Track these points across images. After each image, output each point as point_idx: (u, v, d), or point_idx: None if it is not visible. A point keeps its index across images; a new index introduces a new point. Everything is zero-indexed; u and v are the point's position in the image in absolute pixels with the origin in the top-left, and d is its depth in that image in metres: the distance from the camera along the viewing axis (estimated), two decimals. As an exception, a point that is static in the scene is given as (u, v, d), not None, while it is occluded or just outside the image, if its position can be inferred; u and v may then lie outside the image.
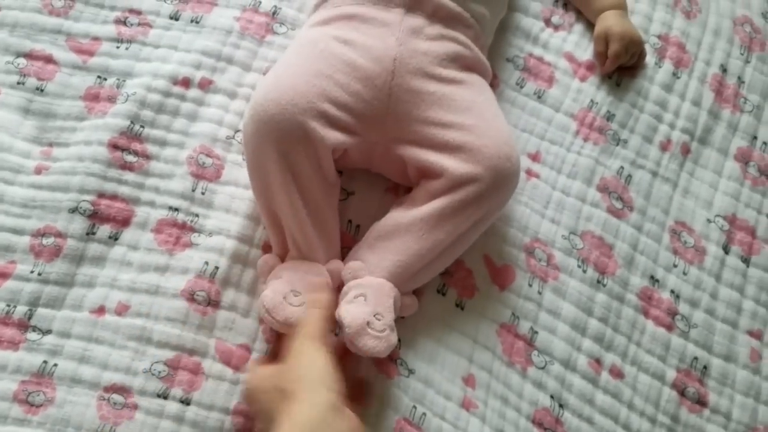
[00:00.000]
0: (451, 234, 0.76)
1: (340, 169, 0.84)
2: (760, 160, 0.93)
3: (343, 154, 0.80)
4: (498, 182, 0.75)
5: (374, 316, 0.72)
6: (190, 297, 0.78)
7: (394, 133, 0.78)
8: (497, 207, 0.79)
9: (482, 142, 0.75)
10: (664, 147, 0.92)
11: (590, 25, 0.95)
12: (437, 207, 0.75)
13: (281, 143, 0.73)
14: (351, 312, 0.72)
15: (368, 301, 0.73)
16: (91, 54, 0.89)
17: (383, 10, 0.79)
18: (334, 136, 0.75)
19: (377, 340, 0.71)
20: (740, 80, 0.97)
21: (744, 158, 0.93)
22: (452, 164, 0.75)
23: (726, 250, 0.89)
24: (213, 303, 0.78)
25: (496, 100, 0.83)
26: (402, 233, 0.76)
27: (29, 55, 0.88)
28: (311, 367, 0.64)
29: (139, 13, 0.92)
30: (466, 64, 0.81)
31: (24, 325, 0.76)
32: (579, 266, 0.84)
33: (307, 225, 0.76)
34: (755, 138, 0.95)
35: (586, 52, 0.95)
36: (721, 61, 0.97)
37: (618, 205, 0.88)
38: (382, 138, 0.79)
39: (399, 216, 0.78)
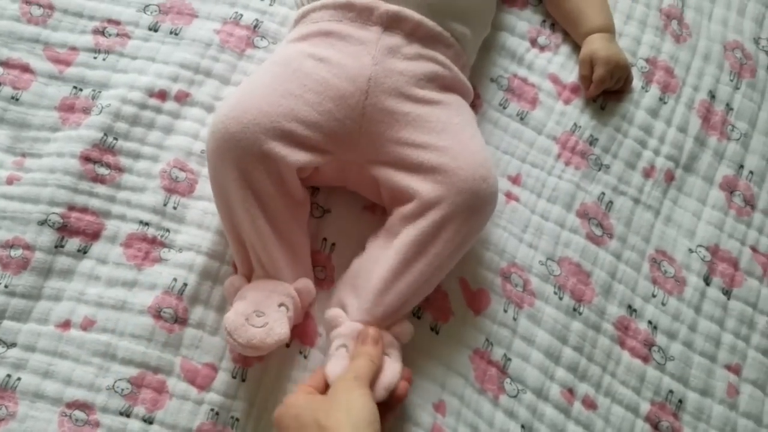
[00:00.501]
0: (430, 263, 0.75)
1: (316, 186, 0.85)
2: (745, 190, 0.93)
3: (315, 171, 0.80)
4: (474, 205, 0.75)
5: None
6: (157, 314, 0.78)
7: (367, 153, 0.78)
8: (475, 231, 0.78)
9: (457, 164, 0.75)
10: (648, 173, 0.92)
11: (577, 47, 0.96)
12: (412, 236, 0.75)
13: (241, 161, 0.73)
14: (335, 370, 0.72)
15: (350, 352, 0.73)
16: (68, 64, 0.90)
17: (360, 27, 0.79)
18: (299, 155, 0.75)
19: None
20: (729, 107, 0.97)
21: (729, 187, 0.94)
22: (425, 187, 0.75)
23: (707, 281, 0.89)
24: (180, 320, 0.79)
25: (475, 121, 0.83)
26: (380, 270, 0.76)
27: (5, 64, 0.89)
28: (360, 409, 0.64)
29: (117, 23, 0.93)
30: (445, 85, 0.81)
31: None
32: (555, 293, 0.84)
33: (272, 243, 0.76)
34: (742, 167, 0.95)
35: (571, 74, 0.95)
36: (710, 86, 0.97)
37: (598, 231, 0.88)
38: (355, 157, 0.79)
39: (376, 252, 0.78)
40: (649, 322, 0.85)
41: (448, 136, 0.77)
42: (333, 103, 0.76)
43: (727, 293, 0.88)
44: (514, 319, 0.83)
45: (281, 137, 0.74)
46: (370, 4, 0.79)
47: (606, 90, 0.93)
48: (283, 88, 0.76)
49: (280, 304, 0.75)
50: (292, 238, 0.78)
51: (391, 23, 0.79)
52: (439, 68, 0.80)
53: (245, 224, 0.75)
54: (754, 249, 0.91)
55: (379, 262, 0.76)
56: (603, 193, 0.90)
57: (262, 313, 0.73)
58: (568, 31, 0.96)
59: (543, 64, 0.95)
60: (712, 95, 0.97)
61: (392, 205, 0.79)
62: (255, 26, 0.94)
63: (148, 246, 0.82)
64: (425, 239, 0.75)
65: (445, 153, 0.76)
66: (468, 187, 0.74)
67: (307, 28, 0.82)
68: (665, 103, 0.95)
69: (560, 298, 0.84)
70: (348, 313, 0.76)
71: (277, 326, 0.72)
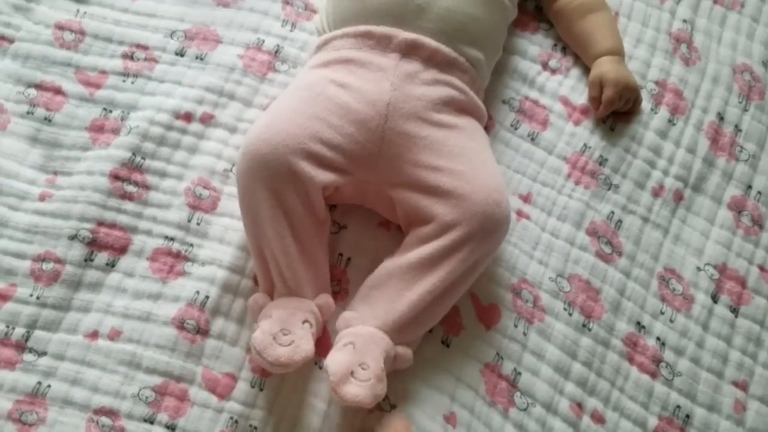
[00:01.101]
0: (442, 280, 0.78)
1: (334, 203, 0.89)
2: (753, 210, 0.96)
3: (336, 191, 0.84)
4: (487, 228, 0.79)
5: (360, 365, 0.75)
6: (180, 325, 0.83)
7: (386, 175, 0.82)
8: (487, 253, 0.82)
9: (472, 188, 0.79)
10: (657, 193, 0.95)
11: (587, 70, 0.99)
12: (426, 252, 0.78)
13: (271, 181, 0.78)
14: (336, 360, 0.75)
15: (356, 350, 0.76)
16: (98, 86, 0.96)
17: (380, 55, 0.84)
18: (324, 175, 0.80)
19: (360, 389, 0.73)
20: (737, 128, 1.00)
21: (737, 207, 0.96)
22: (441, 210, 0.79)
23: (715, 299, 0.91)
24: (202, 331, 0.83)
25: (489, 145, 0.87)
26: (393, 281, 0.80)
27: (39, 86, 0.95)
28: None
29: (146, 48, 0.98)
30: (461, 108, 0.85)
31: (21, 347, 0.82)
32: (565, 309, 0.87)
33: (296, 261, 0.80)
34: (750, 187, 0.97)
35: (581, 96, 0.98)
36: (719, 108, 1.00)
37: (607, 249, 0.91)
38: (374, 179, 0.83)
39: (390, 264, 0.81)
40: (658, 339, 0.88)
41: (463, 160, 0.81)
42: (354, 127, 0.81)
43: (734, 311, 0.91)
44: (525, 334, 0.86)
45: (309, 157, 0.79)
46: (389, 33, 0.84)
47: (615, 111, 0.96)
48: (309, 111, 0.81)
49: (304, 321, 0.78)
50: (315, 255, 0.82)
51: (408, 50, 0.84)
52: (455, 92, 0.85)
53: (273, 242, 0.79)
54: (761, 268, 0.94)
55: (393, 276, 0.80)
56: (612, 212, 0.93)
57: (288, 332, 0.77)
58: (578, 54, 1.00)
59: (554, 86, 0.99)
60: (721, 117, 1.00)
61: (409, 224, 0.83)
62: (276, 51, 0.98)
63: (173, 260, 0.87)
64: (439, 256, 0.78)
65: (461, 177, 0.80)
66: (482, 211, 0.78)
67: (328, 55, 0.87)
68: (674, 124, 0.98)
69: (570, 314, 0.87)
70: (361, 318, 0.79)
71: (303, 343, 0.76)
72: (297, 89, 0.85)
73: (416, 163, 0.81)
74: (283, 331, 0.76)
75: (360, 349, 0.76)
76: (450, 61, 0.85)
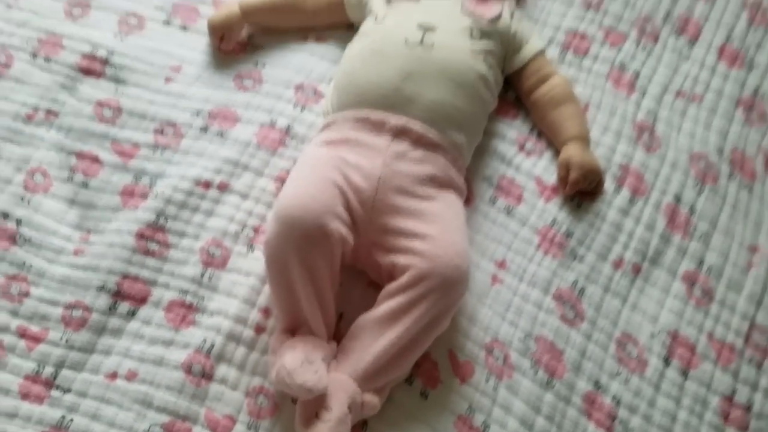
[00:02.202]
0: (406, 331, 0.82)
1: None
2: (704, 283, 0.98)
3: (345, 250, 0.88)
4: (446, 286, 0.83)
5: (323, 408, 0.79)
6: (188, 369, 0.87)
7: (373, 238, 0.88)
8: (447, 308, 0.85)
9: (439, 250, 0.84)
10: (617, 265, 0.98)
11: (558, 153, 1.03)
12: (393, 306, 0.83)
13: (302, 241, 0.82)
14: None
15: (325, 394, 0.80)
16: (131, 157, 1.01)
17: (375, 136, 0.90)
18: (347, 233, 0.85)
19: (323, 428, 0.78)
20: (692, 209, 1.03)
21: (690, 280, 0.99)
22: (411, 267, 0.83)
23: (666, 362, 0.94)
24: (207, 376, 0.87)
25: (463, 216, 0.92)
26: (364, 333, 0.84)
27: (79, 155, 1.01)
28: None
29: (174, 125, 1.04)
30: (442, 184, 0.91)
31: (49, 384, 0.87)
32: (531, 367, 0.91)
33: (317, 310, 0.84)
34: (702, 262, 1.00)
35: (552, 176, 1.02)
36: (676, 191, 1.03)
37: (571, 314, 0.95)
38: (364, 242, 0.89)
39: (363, 319, 0.86)
40: (613, 397, 0.90)
41: (437, 226, 0.86)
42: (353, 196, 0.87)
43: (684, 374, 0.93)
44: (494, 389, 0.89)
45: (336, 218, 0.84)
46: (382, 118, 0.90)
47: (581, 191, 1.00)
48: (327, 180, 0.86)
49: (323, 359, 0.82)
50: (329, 306, 0.86)
51: (398, 133, 0.90)
52: (438, 171, 0.91)
53: (297, 298, 0.83)
54: (710, 336, 0.95)
55: (364, 329, 0.84)
56: (576, 281, 0.96)
57: (312, 362, 0.80)
58: (550, 139, 1.05)
59: (528, 166, 1.03)
60: (678, 199, 1.03)
61: (386, 281, 0.87)
62: (287, 130, 1.03)
63: (185, 311, 0.92)
64: (404, 309, 0.83)
65: (431, 241, 0.85)
66: (444, 270, 0.83)
67: (331, 135, 0.93)
68: (635, 204, 1.02)
69: (535, 372, 0.91)
70: (336, 366, 0.84)
71: (323, 376, 0.79)
72: (311, 161, 0.91)
73: (398, 229, 0.87)
74: (308, 360, 0.80)
75: (328, 393, 0.80)
76: (435, 143, 0.91)
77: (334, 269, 0.86)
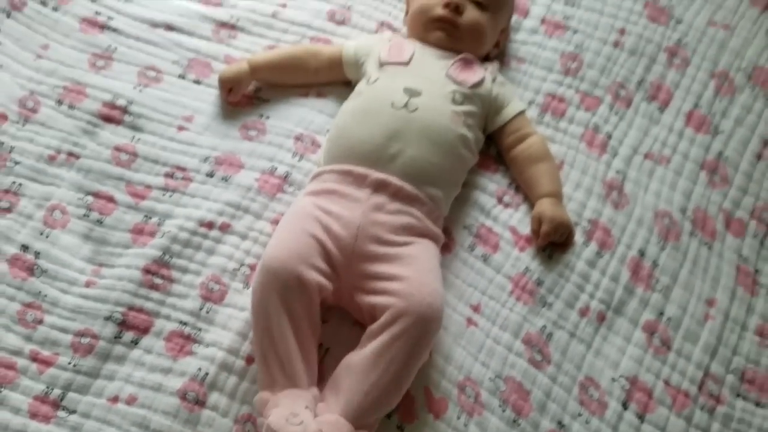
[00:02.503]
0: (391, 367, 0.87)
1: (324, 304, 0.96)
2: (663, 333, 1.03)
3: (326, 294, 0.93)
4: (420, 323, 0.88)
5: None
6: (183, 396, 0.93)
7: (354, 283, 0.94)
8: (425, 343, 0.90)
9: (412, 291, 0.89)
10: (583, 313, 1.03)
11: (533, 207, 1.09)
12: (375, 345, 0.88)
13: (283, 291, 0.89)
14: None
15: None
16: (143, 198, 1.08)
17: (356, 189, 0.98)
18: (323, 282, 0.91)
19: None
20: (655, 264, 1.08)
21: (650, 329, 1.03)
22: (389, 307, 0.89)
23: (625, 406, 0.98)
24: (200, 402, 0.93)
25: (437, 260, 0.97)
26: (353, 375, 0.88)
27: (96, 195, 1.08)
28: None
29: (184, 170, 1.11)
30: (418, 232, 0.97)
31: (56, 405, 0.93)
32: (500, 406, 0.96)
33: (296, 358, 0.89)
34: (662, 313, 1.04)
35: (527, 227, 1.08)
36: (640, 246, 1.09)
37: (538, 357, 1.00)
38: (345, 286, 0.95)
39: (350, 359, 0.90)
40: (574, 437, 0.95)
41: (411, 268, 0.92)
42: (333, 244, 0.93)
43: (641, 417, 0.97)
44: (465, 425, 0.94)
45: (312, 268, 0.90)
46: (364, 173, 0.98)
47: (552, 242, 1.06)
48: (306, 232, 0.93)
49: (306, 407, 0.86)
50: (309, 353, 0.91)
51: (378, 187, 0.97)
52: (414, 221, 0.97)
53: (278, 340, 0.89)
54: (666, 382, 0.99)
55: (352, 370, 0.89)
56: (545, 326, 1.01)
57: (296, 415, 0.84)
58: (526, 193, 1.11)
59: (506, 218, 1.09)
60: (642, 253, 1.08)
61: (368, 321, 0.93)
62: (286, 176, 1.10)
63: (184, 341, 0.97)
64: (385, 347, 0.87)
65: (407, 281, 0.90)
66: (417, 309, 0.88)
67: (318, 185, 1.01)
68: (602, 257, 1.07)
69: (503, 411, 0.95)
70: (329, 408, 0.87)
71: (309, 423, 0.83)
72: (295, 215, 0.98)
73: (375, 274, 0.93)
74: (293, 414, 0.84)
75: None
76: (412, 196, 0.97)
77: (312, 315, 0.91)
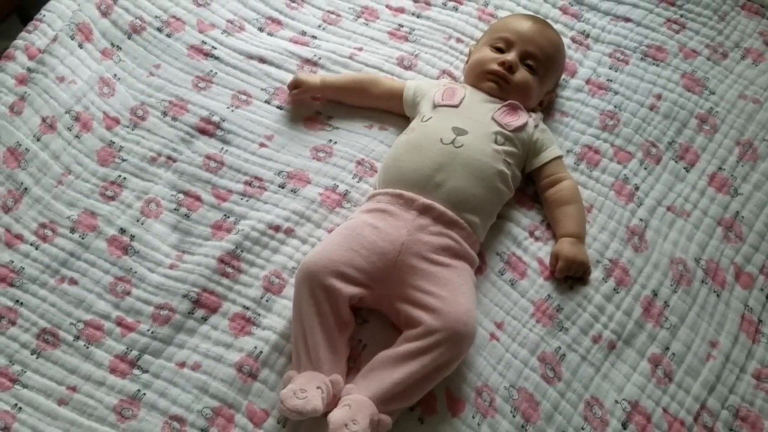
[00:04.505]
0: (418, 370, 0.94)
1: (363, 306, 1.07)
2: (667, 366, 1.08)
3: (361, 299, 1.04)
4: (454, 338, 0.96)
5: (351, 420, 0.90)
6: (239, 368, 1.04)
7: (394, 291, 1.03)
8: (455, 357, 0.97)
9: (448, 309, 0.98)
10: (596, 340, 1.09)
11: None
12: (410, 348, 0.96)
13: (313, 290, 0.99)
14: (336, 415, 0.91)
15: (351, 410, 0.91)
16: (225, 200, 1.20)
17: (404, 211, 1.07)
18: (349, 289, 1.00)
19: None
20: (666, 304, 1.13)
21: (655, 362, 1.08)
22: (426, 320, 0.97)
23: (624, 426, 1.03)
24: (252, 375, 1.03)
25: (472, 283, 1.05)
26: (384, 366, 0.97)
27: (186, 193, 1.20)
28: None
29: (261, 180, 1.22)
30: (456, 254, 1.06)
31: (133, 363, 1.05)
32: (511, 412, 1.02)
33: (320, 346, 0.98)
34: (667, 349, 1.09)
35: None
36: (654, 287, 1.14)
37: (550, 374, 1.06)
38: (387, 293, 1.04)
39: (384, 354, 0.99)
40: (576, 448, 1.01)
41: (448, 288, 1.00)
42: (377, 257, 1.02)
43: None
44: (479, 425, 1.01)
45: (339, 276, 1.00)
46: (413, 197, 1.07)
47: (570, 276, 1.12)
48: (345, 245, 1.03)
49: (318, 387, 0.94)
50: (336, 345, 0.99)
51: (424, 210, 1.07)
52: (453, 243, 1.06)
53: (306, 331, 0.98)
54: (665, 410, 1.04)
55: (384, 362, 0.97)
56: (560, 347, 1.08)
57: (305, 391, 0.93)
58: (553, 230, 1.18)
59: (535, 249, 1.16)
60: (655, 293, 1.13)
61: (404, 327, 1.01)
62: (345, 194, 1.20)
63: (245, 323, 1.08)
64: (419, 352, 0.95)
65: (444, 300, 0.99)
66: (454, 326, 0.96)
67: (372, 205, 1.10)
68: (618, 293, 1.13)
69: (514, 416, 1.02)
70: (358, 389, 0.96)
71: (313, 400, 0.91)
72: (346, 228, 1.07)
73: (415, 286, 1.01)
74: (301, 390, 0.93)
75: (354, 410, 0.91)
76: (452, 221, 1.06)
77: (339, 314, 0.99)
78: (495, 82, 1.22)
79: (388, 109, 1.31)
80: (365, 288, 1.03)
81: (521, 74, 1.21)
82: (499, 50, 1.23)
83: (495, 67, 1.21)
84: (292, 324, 1.03)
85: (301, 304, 1.01)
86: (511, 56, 1.21)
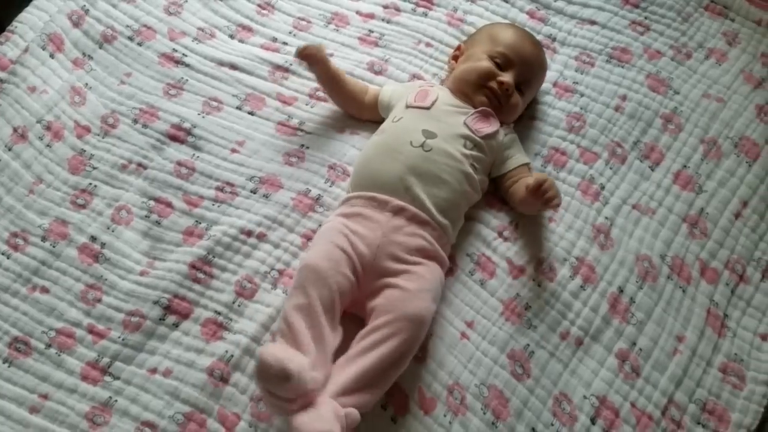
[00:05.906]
0: (380, 359, 0.94)
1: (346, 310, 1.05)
2: (634, 361, 1.09)
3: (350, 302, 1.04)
4: (411, 327, 0.97)
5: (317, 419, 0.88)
6: (210, 373, 1.03)
7: (368, 292, 1.04)
8: (411, 343, 0.97)
9: (410, 300, 0.99)
10: (563, 337, 1.10)
11: (530, 240, 1.17)
12: (369, 340, 0.97)
13: (311, 284, 0.99)
14: (304, 418, 0.89)
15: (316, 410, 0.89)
16: (196, 206, 1.19)
17: (378, 213, 1.08)
18: (344, 287, 1.00)
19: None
20: (632, 300, 1.14)
21: (622, 357, 1.09)
22: (387, 310, 0.98)
23: (593, 421, 1.04)
24: (224, 379, 1.03)
25: (438, 282, 1.05)
26: (349, 361, 0.96)
27: (157, 200, 1.20)
28: None
29: (232, 185, 1.21)
30: (428, 255, 1.07)
31: (104, 371, 1.04)
32: (482, 409, 1.03)
33: (305, 330, 0.95)
34: (634, 344, 1.10)
35: (521, 259, 1.16)
36: (620, 284, 1.15)
37: (519, 371, 1.07)
38: (362, 293, 1.04)
39: (350, 351, 0.99)
40: (545, 444, 1.01)
41: (415, 283, 1.01)
42: (357, 259, 1.03)
43: None
44: (450, 423, 1.01)
45: (337, 273, 1.00)
46: (386, 200, 1.08)
47: (546, 197, 1.07)
48: (337, 246, 1.03)
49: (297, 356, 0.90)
50: (320, 332, 0.96)
51: (397, 212, 1.08)
52: (426, 244, 1.06)
53: (297, 312, 0.96)
54: (633, 405, 1.05)
55: (348, 358, 0.97)
56: (528, 344, 1.08)
57: (286, 350, 0.90)
58: (523, 209, 1.17)
59: (504, 249, 1.16)
60: (621, 290, 1.15)
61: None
62: (317, 198, 1.20)
63: (216, 328, 1.08)
64: (377, 341, 0.96)
65: (407, 292, 1.00)
66: (410, 316, 0.97)
67: (346, 209, 1.11)
68: (584, 290, 1.14)
69: (484, 414, 1.02)
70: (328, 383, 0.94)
71: (290, 357, 0.88)
72: (330, 230, 1.08)
73: (386, 283, 1.02)
74: (283, 350, 0.90)
75: (316, 404, 0.90)
76: (425, 221, 1.07)
77: (330, 308, 0.99)
78: (489, 99, 1.22)
79: (372, 118, 1.30)
80: (352, 287, 1.03)
81: (515, 98, 1.23)
82: (497, 65, 1.23)
83: (494, 85, 1.21)
84: (292, 323, 0.98)
85: (296, 292, 0.99)
86: (511, 80, 1.21)
